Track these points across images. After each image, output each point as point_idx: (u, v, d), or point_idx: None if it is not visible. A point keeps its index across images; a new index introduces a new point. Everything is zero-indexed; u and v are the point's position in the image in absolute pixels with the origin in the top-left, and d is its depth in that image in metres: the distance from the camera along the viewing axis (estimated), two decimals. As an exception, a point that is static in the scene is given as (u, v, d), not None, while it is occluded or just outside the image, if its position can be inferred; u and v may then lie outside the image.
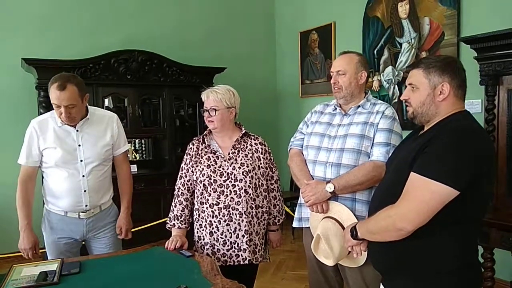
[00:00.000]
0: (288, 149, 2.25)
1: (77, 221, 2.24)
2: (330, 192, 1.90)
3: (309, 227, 2.10)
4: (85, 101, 2.20)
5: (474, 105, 3.12)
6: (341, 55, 2.09)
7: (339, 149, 1.97)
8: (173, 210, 2.18)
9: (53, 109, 2.16)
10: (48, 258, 2.24)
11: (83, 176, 2.20)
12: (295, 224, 2.19)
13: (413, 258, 1.44)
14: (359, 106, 2.04)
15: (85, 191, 2.20)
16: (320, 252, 1.88)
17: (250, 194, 2.05)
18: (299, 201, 2.16)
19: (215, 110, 2.07)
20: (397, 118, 1.99)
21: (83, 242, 2.35)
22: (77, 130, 2.20)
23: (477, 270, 1.51)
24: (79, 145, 2.20)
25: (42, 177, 2.28)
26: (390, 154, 1.84)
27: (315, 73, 4.91)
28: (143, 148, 4.55)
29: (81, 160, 2.20)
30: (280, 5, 5.43)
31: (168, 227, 2.20)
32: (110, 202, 2.38)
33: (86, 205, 2.22)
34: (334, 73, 2.05)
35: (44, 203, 2.31)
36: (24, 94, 4.04)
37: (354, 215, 1.88)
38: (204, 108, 2.12)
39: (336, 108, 2.11)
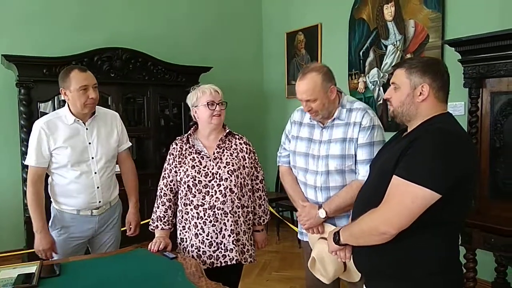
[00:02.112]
0: (277, 164, 2.26)
1: (89, 218, 2.26)
2: (323, 218, 1.95)
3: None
4: None
5: (458, 107, 3.16)
6: (303, 78, 1.92)
7: (324, 172, 1.97)
8: (156, 211, 2.15)
9: (44, 114, 2.16)
10: (54, 258, 2.22)
11: (95, 173, 2.23)
12: (299, 236, 2.24)
13: (395, 260, 1.45)
14: (335, 118, 1.97)
15: (98, 187, 2.23)
16: (316, 270, 1.91)
17: (235, 193, 2.04)
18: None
19: (226, 104, 2.09)
20: (376, 123, 1.92)
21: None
22: (87, 129, 2.24)
23: (459, 271, 1.52)
24: (89, 143, 2.23)
25: (52, 178, 2.26)
26: None
27: (301, 74, 4.91)
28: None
29: (92, 157, 2.23)
30: (267, 6, 5.43)
31: (151, 229, 2.16)
32: (117, 197, 2.43)
33: (99, 201, 2.25)
34: (303, 101, 1.93)
35: (51, 203, 2.30)
36: (4, 92, 3.94)
37: None
38: (210, 101, 2.04)
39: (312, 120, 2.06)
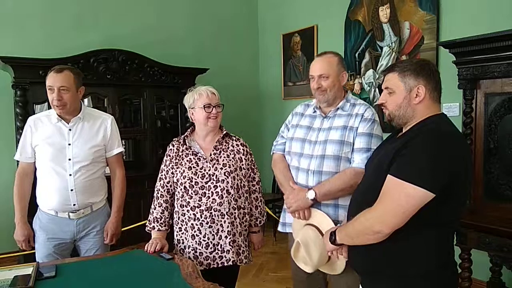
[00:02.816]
0: (271, 153, 2.25)
1: (67, 221, 2.23)
2: (311, 199, 1.91)
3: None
4: (80, 94, 2.24)
5: (452, 108, 3.18)
6: (320, 57, 2.05)
7: (320, 156, 1.96)
8: (153, 212, 2.15)
9: (36, 112, 2.16)
10: (37, 259, 2.21)
11: (70, 175, 2.19)
12: (279, 228, 2.20)
13: (391, 259, 1.46)
14: (338, 108, 2.03)
15: (72, 190, 2.19)
16: (299, 258, 1.88)
17: (232, 195, 2.04)
18: (284, 206, 2.16)
19: (222, 106, 2.10)
20: (377, 119, 1.98)
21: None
22: (70, 130, 2.22)
23: (453, 270, 1.53)
24: (69, 144, 2.21)
25: (37, 177, 2.28)
26: None
27: (297, 75, 4.93)
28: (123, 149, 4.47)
29: (69, 159, 2.20)
30: (263, 7, 5.44)
31: (148, 230, 2.16)
32: (103, 203, 2.37)
33: (74, 204, 2.21)
34: (315, 77, 2.01)
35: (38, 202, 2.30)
36: (-1, 93, 3.93)
37: (337, 221, 1.89)
38: (207, 104, 2.05)
39: (315, 110, 2.10)
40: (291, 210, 1.98)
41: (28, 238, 2.25)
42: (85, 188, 2.23)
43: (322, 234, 1.85)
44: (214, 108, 2.06)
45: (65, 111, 2.19)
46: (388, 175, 1.39)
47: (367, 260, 1.53)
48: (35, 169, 2.27)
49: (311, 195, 1.90)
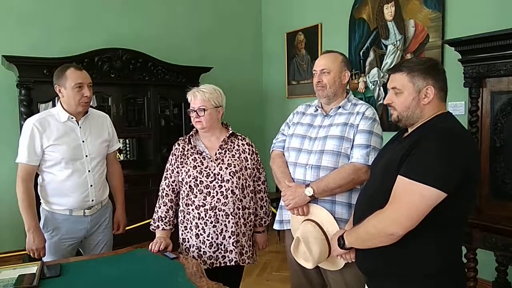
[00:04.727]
0: (270, 151, 2.24)
1: (82, 218, 2.24)
2: (309, 196, 1.90)
3: (290, 229, 2.09)
4: None
5: (458, 107, 3.16)
6: (325, 54, 2.08)
7: (319, 151, 1.96)
8: (157, 211, 2.15)
9: (40, 111, 2.15)
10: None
11: (89, 171, 2.22)
12: (276, 226, 2.18)
13: (399, 260, 1.44)
14: (340, 107, 2.03)
15: (91, 185, 2.23)
16: (299, 255, 1.86)
17: (237, 195, 2.04)
18: (280, 204, 2.15)
19: (204, 110, 2.04)
20: (377, 119, 1.99)
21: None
22: (80, 127, 2.24)
23: (461, 270, 1.52)
24: (83, 141, 2.23)
25: (43, 178, 2.24)
26: (370, 156, 1.86)
27: (301, 74, 4.91)
28: (127, 148, 4.48)
29: (86, 156, 2.22)
30: (267, 6, 5.43)
31: (152, 229, 2.16)
32: (108, 198, 2.43)
33: (92, 200, 2.24)
34: (317, 72, 2.03)
35: (41, 204, 2.28)
36: (4, 92, 3.94)
37: (334, 217, 1.87)
38: (191, 108, 2.08)
39: (317, 109, 2.11)
40: (289, 207, 1.97)
41: (44, 245, 2.19)
42: (99, 183, 2.29)
43: (321, 229, 1.85)
44: (195, 112, 2.05)
45: (87, 107, 2.23)
46: (399, 176, 1.38)
47: (372, 260, 1.52)
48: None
49: (309, 192, 1.90)
